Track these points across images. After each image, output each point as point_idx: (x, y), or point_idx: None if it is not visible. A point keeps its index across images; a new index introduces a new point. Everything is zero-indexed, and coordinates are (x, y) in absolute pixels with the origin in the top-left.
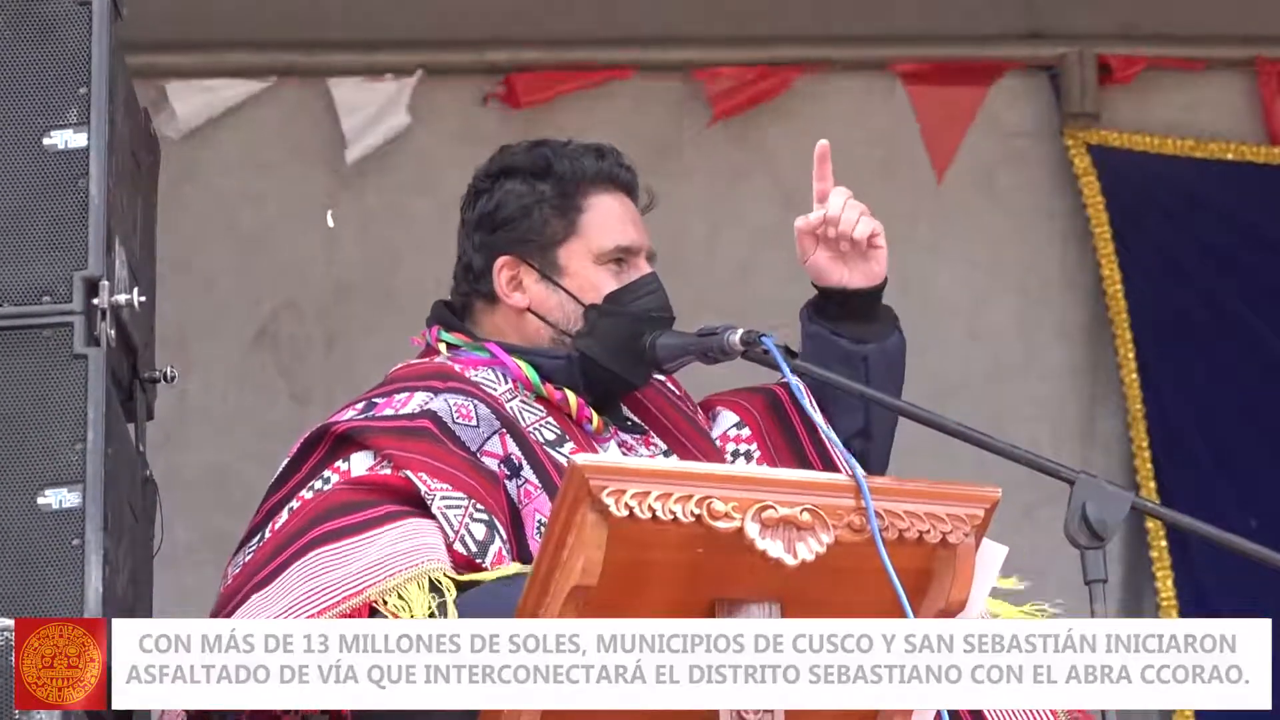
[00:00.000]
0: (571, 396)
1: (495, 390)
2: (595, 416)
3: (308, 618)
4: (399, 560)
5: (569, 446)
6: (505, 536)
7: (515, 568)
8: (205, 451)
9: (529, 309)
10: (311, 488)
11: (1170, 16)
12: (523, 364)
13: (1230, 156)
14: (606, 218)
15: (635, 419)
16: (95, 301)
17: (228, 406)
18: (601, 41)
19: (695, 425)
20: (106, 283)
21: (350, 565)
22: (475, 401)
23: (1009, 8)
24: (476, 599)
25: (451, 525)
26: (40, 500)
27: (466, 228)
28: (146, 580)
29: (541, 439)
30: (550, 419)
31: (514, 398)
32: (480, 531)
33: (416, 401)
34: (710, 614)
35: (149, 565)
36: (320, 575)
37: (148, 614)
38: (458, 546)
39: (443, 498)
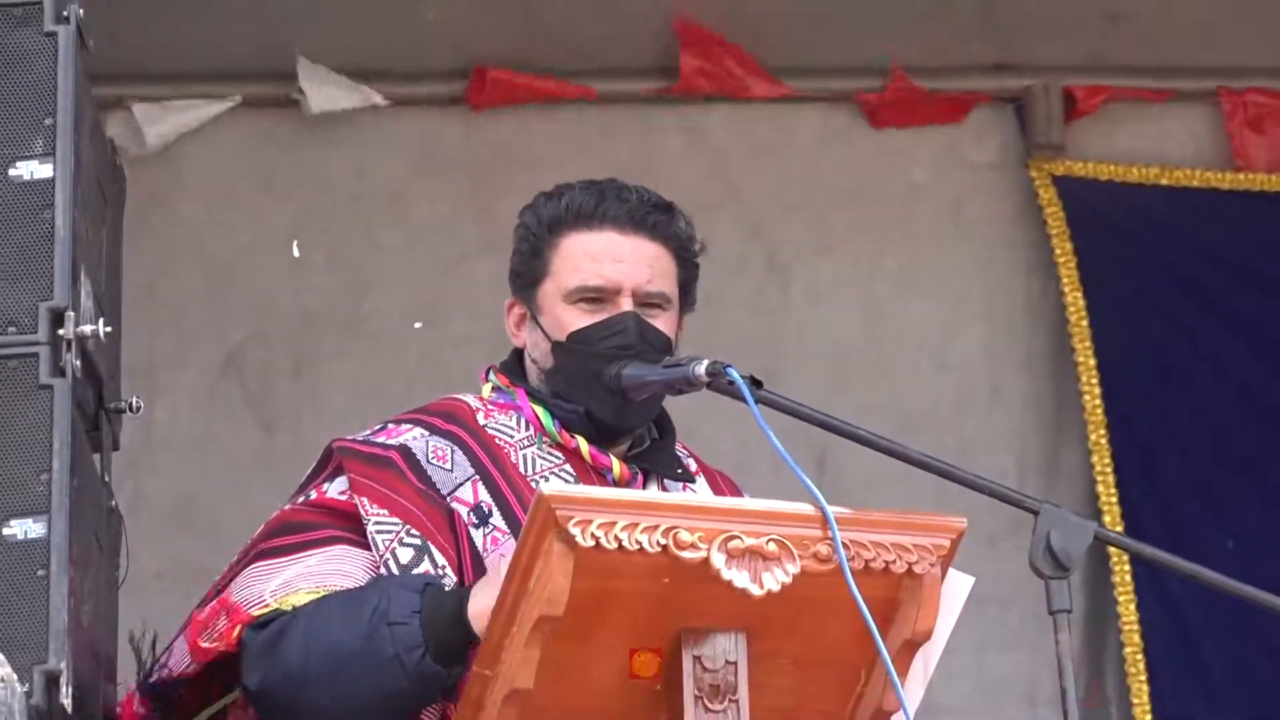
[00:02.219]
0: (583, 443)
1: (513, 437)
2: (616, 464)
3: (235, 621)
4: (305, 580)
5: None
6: (442, 561)
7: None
8: (172, 480)
9: (524, 347)
10: (294, 500)
11: (1135, 48)
12: (539, 410)
13: (1196, 183)
14: (578, 258)
15: (687, 468)
16: (61, 332)
17: (195, 435)
18: (569, 72)
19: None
20: (72, 313)
21: (270, 582)
22: (455, 447)
23: (975, 40)
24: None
25: (379, 548)
26: (5, 531)
27: None
28: (112, 610)
29: None
30: (567, 466)
31: (530, 445)
32: (407, 555)
33: (407, 435)
34: (677, 643)
35: (114, 595)
36: (251, 586)
37: (112, 644)
38: (382, 569)
39: (377, 522)
